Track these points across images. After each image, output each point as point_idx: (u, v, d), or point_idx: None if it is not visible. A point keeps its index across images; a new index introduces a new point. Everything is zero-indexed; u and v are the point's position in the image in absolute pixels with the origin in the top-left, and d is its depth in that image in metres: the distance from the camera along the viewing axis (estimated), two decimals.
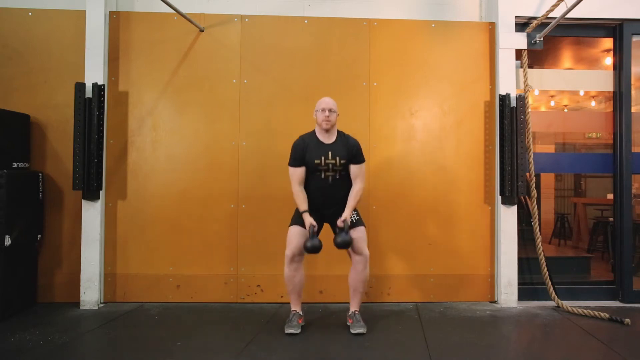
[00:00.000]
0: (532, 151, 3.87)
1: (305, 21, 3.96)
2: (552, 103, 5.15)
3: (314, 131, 3.21)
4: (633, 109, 4.03)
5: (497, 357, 2.80)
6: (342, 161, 3.11)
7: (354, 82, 3.94)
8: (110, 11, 3.85)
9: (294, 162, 3.14)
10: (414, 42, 3.98)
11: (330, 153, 3.11)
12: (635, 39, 4.04)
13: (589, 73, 4.38)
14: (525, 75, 3.92)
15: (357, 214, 3.19)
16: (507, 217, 3.84)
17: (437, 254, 3.92)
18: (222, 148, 3.88)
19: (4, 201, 3.33)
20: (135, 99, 3.87)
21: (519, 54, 3.94)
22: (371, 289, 3.87)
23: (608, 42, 4.18)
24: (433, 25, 3.99)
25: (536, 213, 3.86)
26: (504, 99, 3.81)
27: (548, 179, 5.56)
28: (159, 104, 3.89)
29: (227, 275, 3.85)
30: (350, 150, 3.14)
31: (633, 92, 4.03)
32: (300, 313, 3.21)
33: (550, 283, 3.80)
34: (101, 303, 3.77)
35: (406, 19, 4.02)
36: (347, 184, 3.18)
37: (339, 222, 3.07)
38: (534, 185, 3.93)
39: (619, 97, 4.03)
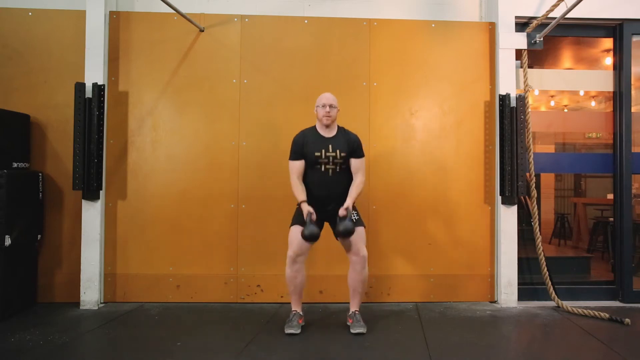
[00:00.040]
0: (532, 151, 3.88)
1: (305, 21, 3.96)
2: (552, 103, 5.15)
3: (314, 126, 3.23)
4: (633, 109, 4.03)
5: (497, 357, 2.80)
6: (342, 154, 3.12)
7: (354, 82, 3.94)
8: (110, 11, 3.85)
9: (294, 155, 3.16)
10: (414, 42, 3.98)
11: (330, 146, 3.12)
12: (635, 39, 4.04)
13: (589, 73, 4.38)
14: (525, 75, 3.92)
15: (357, 214, 3.18)
16: (507, 217, 3.84)
17: (437, 254, 3.92)
18: (222, 148, 3.89)
19: (4, 201, 3.33)
20: (135, 99, 3.87)
21: (519, 54, 3.94)
22: (371, 289, 3.87)
23: (608, 42, 4.18)
24: (433, 25, 3.99)
25: (536, 213, 3.86)
26: (504, 99, 3.81)
27: (548, 179, 5.56)
28: (159, 104, 3.89)
29: (227, 275, 3.85)
30: (351, 145, 3.16)
31: (633, 92, 4.03)
32: (301, 313, 3.21)
33: (550, 283, 3.80)
34: (101, 303, 3.77)
35: (406, 19, 4.02)
36: (347, 178, 3.18)
37: (341, 210, 3.05)
38: (534, 185, 3.93)
39: (619, 97, 4.03)
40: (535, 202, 3.87)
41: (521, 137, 3.78)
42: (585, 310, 3.56)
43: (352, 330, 3.10)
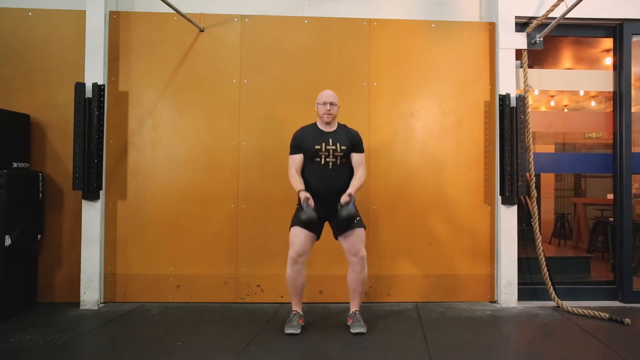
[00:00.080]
0: (532, 151, 3.88)
1: (305, 21, 3.96)
2: (552, 103, 5.15)
3: (315, 123, 3.24)
4: (633, 109, 4.03)
5: (497, 357, 2.80)
6: (342, 147, 3.13)
7: (354, 82, 3.94)
8: (110, 11, 3.85)
9: (293, 150, 3.18)
10: (414, 42, 3.98)
11: (330, 140, 3.14)
12: (635, 39, 4.04)
13: (589, 73, 4.38)
14: (525, 75, 3.92)
15: (358, 215, 3.18)
16: (507, 217, 3.84)
17: (437, 254, 3.92)
18: (222, 148, 3.89)
19: (4, 201, 3.33)
20: (135, 99, 3.87)
21: (519, 54, 3.94)
22: (371, 289, 3.87)
23: (608, 42, 4.18)
24: (433, 25, 3.99)
25: (536, 213, 3.86)
26: (504, 99, 3.81)
27: (548, 179, 5.56)
28: (159, 104, 3.89)
29: (227, 275, 3.85)
30: (351, 139, 3.18)
31: (633, 92, 4.03)
32: (301, 313, 3.21)
33: (550, 283, 3.80)
34: (101, 303, 3.77)
35: (406, 19, 4.02)
36: (347, 173, 3.17)
37: (344, 197, 3.02)
38: (534, 185, 3.93)
39: (619, 97, 4.03)
40: (535, 202, 3.87)
41: (521, 137, 3.78)
42: (585, 310, 3.56)
43: (352, 330, 3.10)
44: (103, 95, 3.71)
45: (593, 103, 4.96)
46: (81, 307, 3.66)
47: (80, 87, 3.65)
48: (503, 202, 3.84)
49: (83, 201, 3.71)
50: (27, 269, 3.68)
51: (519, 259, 3.88)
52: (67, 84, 3.74)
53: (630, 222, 3.97)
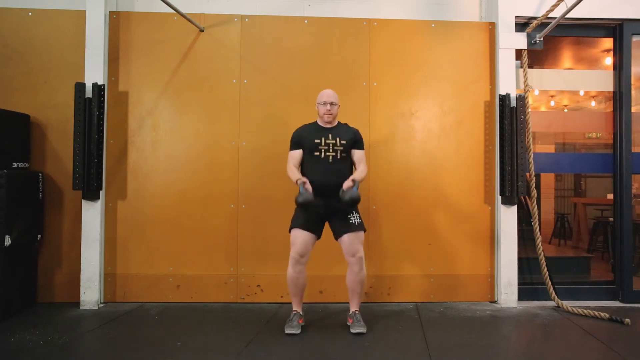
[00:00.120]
0: (532, 151, 3.88)
1: (305, 21, 3.96)
2: (552, 103, 5.15)
3: (316, 121, 3.27)
4: (633, 109, 4.03)
5: (497, 357, 2.80)
6: (342, 141, 3.15)
7: (354, 82, 3.94)
8: (110, 11, 3.85)
9: (293, 145, 3.21)
10: (414, 42, 3.98)
11: (330, 135, 3.17)
12: (635, 39, 4.04)
13: (589, 73, 4.38)
14: (525, 75, 3.92)
15: (360, 218, 3.17)
16: (507, 217, 3.84)
17: (437, 254, 3.92)
18: (222, 148, 3.89)
19: (4, 201, 3.33)
20: (135, 99, 3.87)
21: (519, 54, 3.94)
22: (371, 289, 3.87)
23: (608, 42, 4.18)
24: (433, 25, 3.99)
25: (536, 213, 3.86)
26: (504, 99, 3.81)
27: (548, 179, 5.56)
28: (159, 104, 3.89)
29: (227, 275, 3.85)
30: (352, 136, 3.21)
31: (633, 92, 4.03)
32: (301, 313, 3.21)
33: (550, 283, 3.80)
34: (101, 303, 3.77)
35: (406, 19, 4.02)
36: (347, 168, 3.17)
37: (347, 182, 3.00)
38: (534, 185, 3.93)
39: (619, 97, 4.03)
40: (535, 202, 3.87)
41: (521, 137, 3.78)
42: (585, 310, 3.56)
43: (352, 330, 3.10)
44: (103, 95, 3.71)
45: (593, 103, 4.96)
46: (81, 307, 3.66)
47: (80, 87, 3.65)
48: (503, 202, 3.84)
49: (83, 201, 3.71)
50: (27, 269, 3.68)
51: (519, 259, 3.88)
52: (67, 84, 3.74)
53: (630, 222, 3.97)
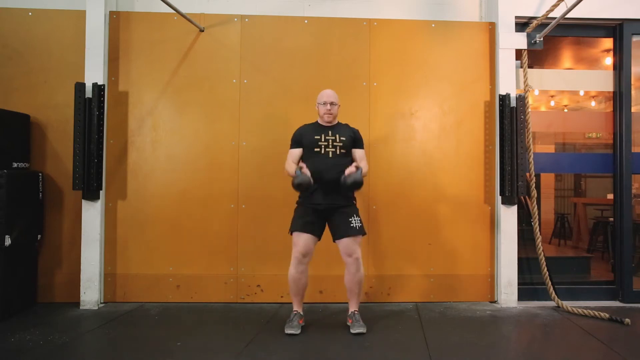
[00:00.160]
0: (532, 151, 3.87)
1: (305, 21, 3.96)
2: (552, 103, 5.15)
3: (316, 121, 3.29)
4: (633, 109, 4.03)
5: (497, 357, 2.80)
6: (341, 138, 3.17)
7: (354, 82, 3.94)
8: (110, 11, 3.85)
9: (293, 144, 3.24)
10: (414, 42, 3.98)
11: (330, 132, 3.19)
12: (635, 39, 4.04)
13: (589, 73, 4.37)
14: (525, 75, 3.92)
15: (360, 221, 3.16)
16: (507, 217, 3.84)
17: (437, 254, 3.92)
18: (222, 148, 3.89)
19: (4, 201, 3.33)
20: (135, 99, 3.87)
21: (519, 54, 3.94)
22: (371, 289, 3.87)
23: (608, 42, 4.18)
24: (433, 25, 3.99)
25: (536, 213, 3.86)
26: (504, 99, 3.81)
27: (548, 179, 5.56)
28: (159, 104, 3.89)
29: (227, 275, 3.85)
30: (352, 134, 3.23)
31: (633, 92, 4.03)
32: (302, 313, 3.21)
33: (550, 283, 3.80)
34: (101, 303, 3.77)
35: (406, 19, 4.02)
36: (347, 164, 3.14)
37: (350, 168, 3.00)
38: (534, 185, 3.93)
39: (619, 97, 4.03)
40: (535, 202, 3.87)
41: (521, 137, 3.78)
42: (585, 310, 3.56)
43: (352, 330, 3.10)
44: (103, 95, 3.71)
45: (593, 103, 4.96)
46: (81, 307, 3.66)
47: (80, 87, 3.65)
48: (503, 202, 3.84)
49: (83, 201, 3.71)
50: (27, 269, 3.68)
51: (519, 259, 3.88)
52: (67, 84, 3.74)
53: (630, 222, 3.97)
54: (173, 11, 3.61)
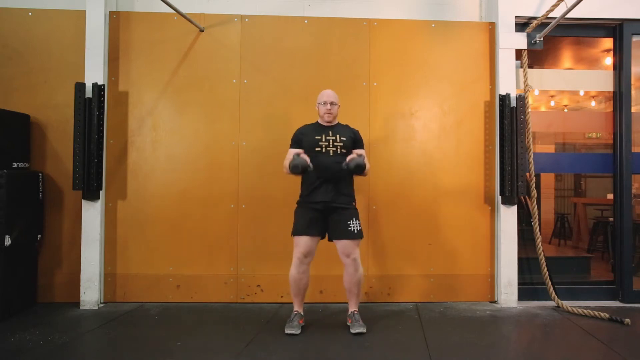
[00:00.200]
0: (532, 151, 3.87)
1: (305, 21, 3.96)
2: (552, 103, 5.15)
3: (317, 122, 3.29)
4: (633, 109, 4.03)
5: (497, 357, 2.80)
6: (342, 138, 3.18)
7: (354, 82, 3.94)
8: (110, 11, 3.85)
9: (293, 144, 3.24)
10: (414, 42, 3.98)
11: (330, 132, 3.20)
12: (635, 39, 4.04)
13: (589, 73, 4.37)
14: (525, 75, 3.92)
15: (359, 225, 3.16)
16: (507, 217, 3.84)
17: (437, 254, 3.91)
18: (222, 148, 3.88)
19: (4, 201, 3.33)
20: (135, 99, 3.87)
21: (519, 54, 3.94)
22: (371, 289, 3.87)
23: (608, 42, 4.18)
24: (433, 25, 3.99)
25: (536, 213, 3.86)
26: (504, 99, 3.81)
27: (548, 179, 5.56)
28: (159, 104, 3.89)
29: (227, 275, 3.85)
30: (352, 135, 3.24)
31: (633, 92, 4.03)
32: (302, 314, 3.21)
33: (550, 283, 3.80)
34: (101, 303, 3.77)
35: (406, 19, 4.02)
36: None
37: (351, 155, 3.05)
38: (534, 185, 3.93)
39: (619, 97, 4.03)
40: (535, 202, 3.87)
41: (521, 137, 3.78)
42: (585, 310, 3.56)
43: (352, 330, 3.10)
44: (103, 95, 3.71)
45: (593, 103, 4.96)
46: (81, 307, 3.66)
47: (80, 87, 3.65)
48: (503, 202, 3.84)
49: (83, 201, 3.71)
50: (27, 269, 3.68)
51: (519, 259, 3.88)
52: (67, 84, 3.74)
53: (630, 222, 3.97)
54: (173, 11, 3.61)
